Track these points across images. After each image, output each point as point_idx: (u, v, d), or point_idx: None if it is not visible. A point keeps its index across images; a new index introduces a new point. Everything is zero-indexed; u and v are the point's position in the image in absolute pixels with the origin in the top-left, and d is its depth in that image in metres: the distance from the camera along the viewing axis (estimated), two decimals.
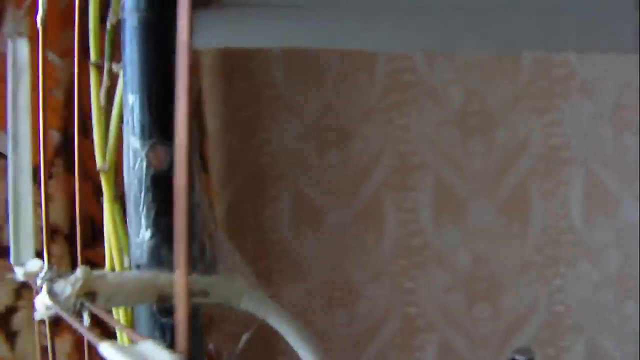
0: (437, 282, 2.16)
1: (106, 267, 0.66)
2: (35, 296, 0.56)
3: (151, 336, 0.60)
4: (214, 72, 2.16)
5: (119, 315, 0.66)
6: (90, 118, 0.62)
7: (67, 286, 0.53)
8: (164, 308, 0.59)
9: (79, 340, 1.48)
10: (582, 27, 0.73)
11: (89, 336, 0.47)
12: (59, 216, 1.48)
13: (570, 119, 2.12)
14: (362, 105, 2.16)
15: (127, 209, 0.60)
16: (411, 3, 0.63)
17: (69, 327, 0.64)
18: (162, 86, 0.56)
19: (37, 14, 0.58)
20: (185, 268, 0.33)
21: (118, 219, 0.64)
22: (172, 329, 0.58)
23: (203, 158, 2.00)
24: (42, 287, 0.55)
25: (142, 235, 0.58)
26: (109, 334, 0.52)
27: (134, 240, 0.60)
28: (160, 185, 0.58)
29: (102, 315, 0.52)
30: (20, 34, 0.68)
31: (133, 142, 0.57)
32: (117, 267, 0.65)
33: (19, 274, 0.68)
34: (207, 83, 2.11)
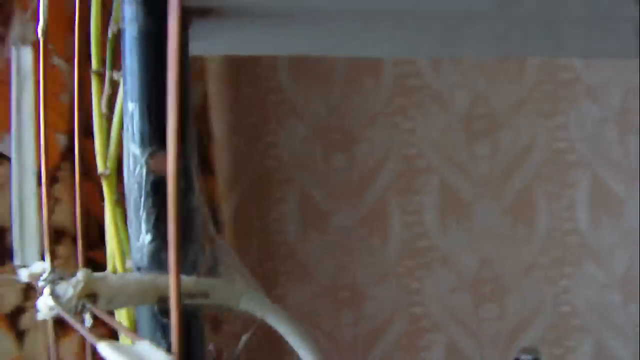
0: (443, 283, 2.17)
1: (108, 269, 0.67)
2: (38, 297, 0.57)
3: (153, 336, 0.61)
4: (220, 78, 2.18)
5: (122, 316, 0.67)
6: None
7: (69, 288, 0.54)
8: (164, 309, 0.60)
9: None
10: (583, 33, 0.73)
11: (88, 336, 0.48)
12: (66, 218, 1.49)
13: (575, 122, 2.12)
14: (368, 109, 2.17)
15: (128, 213, 0.61)
16: (413, 9, 0.63)
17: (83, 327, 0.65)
18: (162, 95, 0.56)
19: (37, 23, 0.59)
20: (178, 272, 0.34)
21: (120, 223, 0.66)
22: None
23: (209, 161, 2.01)
24: (44, 289, 0.56)
25: (143, 239, 0.59)
26: (114, 334, 0.53)
27: (135, 243, 0.61)
28: (159, 190, 0.59)
29: (103, 316, 0.53)
30: (25, 40, 0.69)
31: (133, 149, 0.58)
32: (119, 269, 0.66)
33: (23, 275, 0.69)
34: (214, 88, 2.13)
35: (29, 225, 0.73)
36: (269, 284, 2.17)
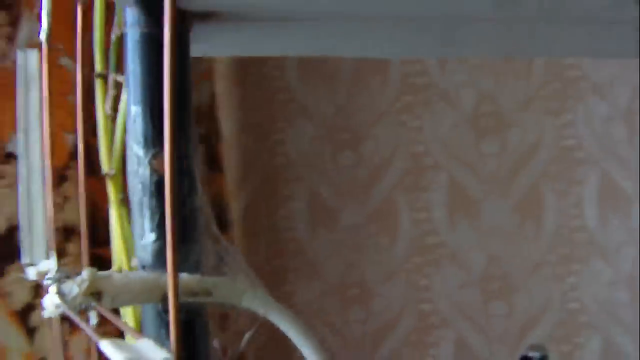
0: (451, 280, 2.17)
1: (114, 267, 0.68)
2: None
3: (157, 334, 0.62)
4: (229, 77, 2.19)
5: (127, 315, 0.68)
6: None
7: (74, 286, 0.55)
8: (168, 307, 0.61)
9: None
10: (584, 33, 0.74)
11: (91, 334, 0.49)
12: (75, 216, 1.50)
13: (583, 120, 2.12)
14: (375, 107, 2.18)
15: (132, 212, 0.62)
16: (418, 11, 0.64)
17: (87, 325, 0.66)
18: (163, 97, 0.57)
19: (40, 28, 0.60)
20: (176, 273, 0.35)
21: (125, 222, 0.67)
22: None
23: (218, 160, 2.02)
24: (50, 287, 0.57)
25: (147, 238, 0.60)
26: (121, 332, 0.54)
27: (139, 242, 0.61)
28: (163, 190, 0.59)
29: (107, 314, 0.54)
30: (33, 41, 0.70)
31: (136, 150, 0.59)
32: (124, 268, 0.67)
33: (31, 273, 0.69)
34: (222, 88, 2.14)
35: (37, 224, 0.74)
36: (278, 281, 2.18)
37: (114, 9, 0.61)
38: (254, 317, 0.63)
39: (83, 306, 0.56)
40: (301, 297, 2.18)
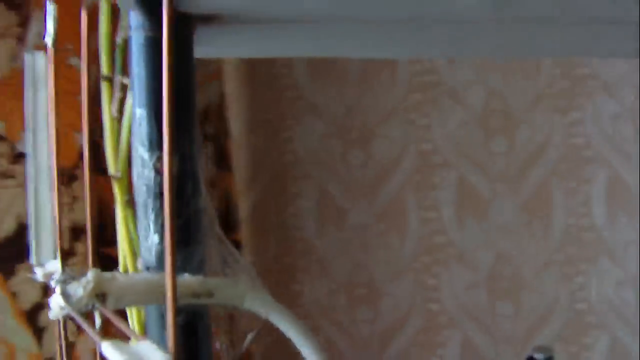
0: (459, 280, 2.17)
1: (120, 268, 0.68)
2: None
3: (161, 335, 0.62)
4: (237, 76, 2.19)
5: (132, 316, 0.68)
6: None
7: (79, 288, 0.56)
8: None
9: (104, 337, 1.51)
10: (584, 33, 0.74)
11: (93, 335, 0.50)
12: (85, 216, 1.51)
13: (591, 118, 2.12)
14: (383, 105, 2.18)
15: (137, 214, 0.62)
16: (420, 13, 0.64)
17: (94, 325, 0.67)
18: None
19: (45, 33, 0.61)
20: (174, 275, 0.35)
21: (131, 223, 0.67)
22: (181, 328, 0.60)
23: (227, 159, 2.03)
24: (56, 288, 0.58)
25: (151, 239, 0.61)
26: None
27: (144, 244, 0.62)
28: None
29: (110, 316, 0.54)
30: (40, 43, 0.70)
31: (141, 152, 0.60)
32: (130, 269, 0.67)
33: (39, 274, 0.70)
34: (231, 87, 2.14)
35: (45, 223, 0.74)
36: (286, 279, 2.18)
37: (119, 12, 0.61)
38: (257, 318, 0.63)
39: (88, 307, 0.56)
40: (309, 296, 2.19)
